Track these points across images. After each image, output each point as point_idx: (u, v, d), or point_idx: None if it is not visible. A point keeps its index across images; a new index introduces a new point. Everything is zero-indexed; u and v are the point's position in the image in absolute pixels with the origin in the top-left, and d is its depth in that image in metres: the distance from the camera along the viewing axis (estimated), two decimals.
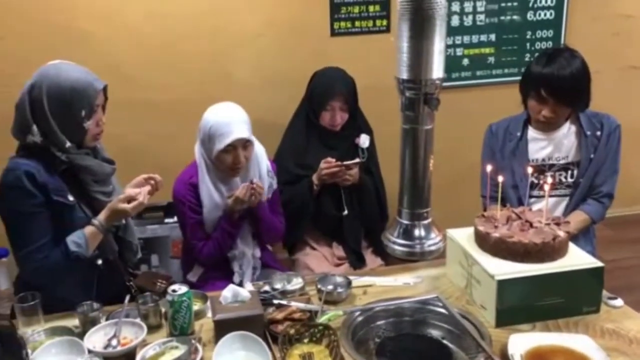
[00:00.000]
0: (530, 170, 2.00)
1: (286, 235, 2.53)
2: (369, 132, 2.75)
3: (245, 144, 2.15)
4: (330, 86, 2.59)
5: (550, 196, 2.28)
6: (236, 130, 2.11)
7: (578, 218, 2.30)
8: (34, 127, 1.77)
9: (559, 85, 2.17)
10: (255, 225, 2.30)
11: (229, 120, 2.13)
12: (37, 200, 1.76)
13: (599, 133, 2.31)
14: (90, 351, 1.50)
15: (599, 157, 2.31)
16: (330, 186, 2.60)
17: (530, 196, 2.33)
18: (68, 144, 1.80)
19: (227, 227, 2.22)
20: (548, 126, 2.30)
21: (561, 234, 1.68)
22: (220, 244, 2.23)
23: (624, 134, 2.37)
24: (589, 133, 2.30)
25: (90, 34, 3.01)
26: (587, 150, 2.30)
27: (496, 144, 2.41)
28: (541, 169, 2.34)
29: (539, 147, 2.34)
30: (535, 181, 2.33)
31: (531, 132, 2.35)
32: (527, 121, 2.37)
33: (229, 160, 2.14)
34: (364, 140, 2.68)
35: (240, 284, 2.24)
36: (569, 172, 2.34)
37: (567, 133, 2.32)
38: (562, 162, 2.33)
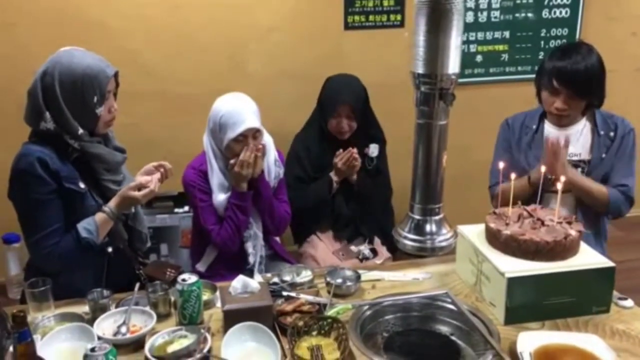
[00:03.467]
0: (543, 168, 1.98)
1: (298, 227, 2.55)
2: (382, 141, 2.75)
3: (256, 133, 2.16)
4: (337, 93, 2.60)
5: (563, 192, 2.25)
6: (247, 120, 2.12)
7: (598, 185, 2.25)
8: (47, 114, 1.78)
9: (572, 78, 2.16)
10: (258, 204, 2.29)
11: (240, 110, 2.14)
12: (50, 187, 1.77)
13: (612, 134, 2.29)
14: (100, 338, 1.51)
15: (610, 158, 2.29)
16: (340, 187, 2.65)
17: (544, 190, 2.31)
18: (80, 131, 1.81)
19: (236, 201, 2.20)
20: (562, 120, 2.28)
21: (573, 233, 1.67)
22: (235, 223, 2.21)
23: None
24: (602, 133, 2.29)
25: (105, 24, 3.03)
26: (599, 149, 2.29)
27: (512, 136, 2.40)
28: None
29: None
30: (549, 176, 2.31)
31: (547, 126, 2.34)
32: (543, 115, 2.36)
33: (239, 150, 2.15)
34: (372, 150, 2.71)
35: (252, 268, 2.26)
36: (579, 169, 2.32)
37: (582, 130, 2.31)
38: (574, 158, 2.31)
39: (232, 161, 2.17)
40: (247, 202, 2.23)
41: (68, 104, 1.78)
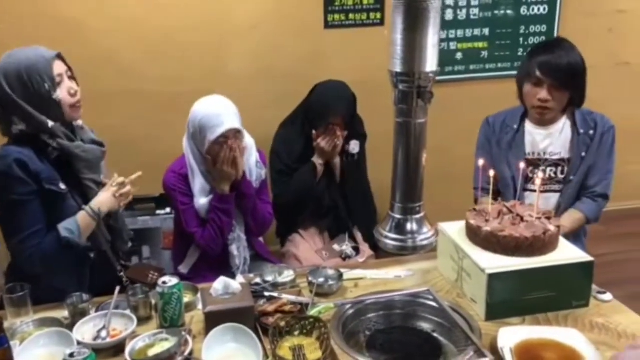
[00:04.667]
0: (523, 165, 1.99)
1: (283, 223, 2.54)
2: (363, 136, 2.75)
3: (236, 134, 2.15)
4: (329, 106, 2.58)
5: (542, 192, 2.29)
6: (227, 121, 2.12)
7: (573, 217, 2.31)
8: (14, 118, 1.78)
9: (556, 68, 2.18)
10: (241, 205, 2.29)
11: (219, 111, 2.14)
12: (29, 188, 1.76)
13: (592, 132, 2.31)
14: (79, 342, 1.50)
15: (591, 156, 2.31)
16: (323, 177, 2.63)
17: (525, 189, 2.33)
18: (51, 123, 1.79)
19: (219, 204, 2.20)
20: (545, 115, 2.28)
21: (552, 228, 1.69)
22: (218, 225, 2.21)
23: (616, 130, 2.37)
24: (582, 131, 2.30)
25: (85, 24, 2.99)
26: (579, 148, 2.30)
27: (493, 135, 2.41)
28: (535, 163, 2.34)
29: (536, 140, 2.34)
30: (530, 175, 2.33)
31: (528, 126, 2.36)
32: (525, 115, 2.37)
33: (220, 152, 2.13)
34: (353, 147, 2.70)
35: (236, 271, 2.26)
36: (560, 168, 2.34)
37: (563, 128, 2.33)
38: (555, 157, 2.33)
39: (218, 165, 2.16)
40: (229, 204, 2.22)
41: (25, 99, 1.77)
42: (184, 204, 2.22)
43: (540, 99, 2.23)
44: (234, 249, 2.30)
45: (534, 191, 2.31)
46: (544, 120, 2.32)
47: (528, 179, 2.33)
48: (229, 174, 2.17)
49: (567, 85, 2.22)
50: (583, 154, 2.30)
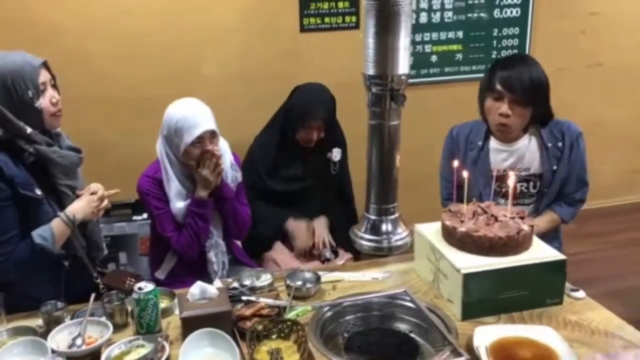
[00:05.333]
0: (494, 174, 1.99)
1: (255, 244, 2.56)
2: (343, 144, 2.76)
3: (212, 135, 2.16)
4: (310, 109, 2.57)
5: (514, 204, 2.27)
6: (203, 123, 2.11)
7: (549, 218, 2.32)
8: None
9: (517, 83, 2.14)
10: (222, 209, 2.28)
11: (194, 113, 2.13)
12: (4, 194, 1.74)
13: (560, 144, 2.27)
14: (53, 351, 1.48)
15: (563, 168, 2.28)
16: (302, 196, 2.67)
17: (497, 194, 2.33)
18: (29, 130, 1.77)
19: (196, 208, 2.18)
20: (507, 131, 2.23)
21: (525, 227, 1.71)
22: (194, 230, 2.19)
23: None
24: (549, 145, 2.27)
25: (57, 27, 2.96)
26: (549, 162, 2.27)
27: (457, 150, 2.36)
28: (504, 179, 2.26)
29: (501, 158, 2.30)
30: (498, 189, 2.28)
31: (493, 143, 2.31)
32: (488, 131, 2.32)
33: (197, 153, 2.13)
34: (335, 155, 2.70)
35: (214, 277, 2.25)
36: (531, 183, 2.32)
37: (528, 145, 2.28)
38: (523, 173, 2.30)
39: (202, 171, 2.14)
40: (207, 209, 2.21)
41: (5, 105, 1.74)
42: (158, 208, 2.21)
43: (501, 113, 2.17)
44: (212, 255, 2.29)
45: (506, 197, 2.32)
46: (504, 137, 2.27)
47: (497, 193, 2.28)
48: (209, 181, 2.16)
49: (528, 101, 2.16)
50: (554, 167, 2.27)
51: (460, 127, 2.41)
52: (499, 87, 2.17)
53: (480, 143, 2.32)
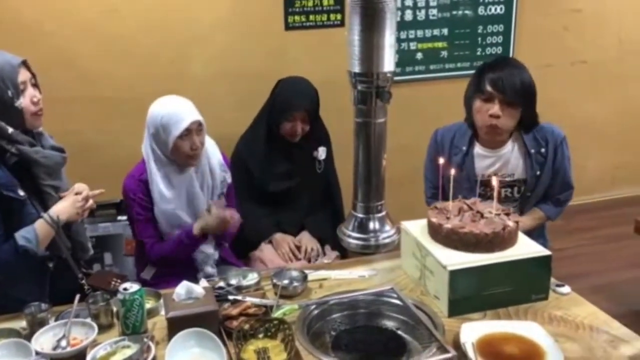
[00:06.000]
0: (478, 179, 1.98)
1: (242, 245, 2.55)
2: (327, 142, 2.76)
3: (199, 128, 2.16)
4: (293, 99, 2.58)
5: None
6: (189, 115, 2.13)
7: (535, 215, 2.33)
8: None
9: (508, 84, 2.14)
10: (220, 238, 2.34)
11: (179, 107, 2.15)
12: None
13: (543, 150, 2.27)
14: (37, 353, 1.46)
15: (546, 174, 2.29)
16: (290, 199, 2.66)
17: (483, 197, 2.33)
18: (10, 130, 1.76)
19: (188, 240, 2.21)
20: (496, 133, 2.22)
21: (510, 224, 1.72)
22: (177, 254, 2.22)
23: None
24: (533, 151, 2.27)
25: (41, 27, 2.93)
26: (532, 168, 2.27)
27: (442, 154, 2.32)
28: (488, 184, 2.27)
29: (486, 164, 2.30)
30: (483, 193, 2.28)
31: (477, 149, 2.31)
32: (473, 136, 2.32)
33: (186, 147, 2.13)
34: (321, 154, 2.70)
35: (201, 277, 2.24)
36: (515, 188, 2.32)
37: (512, 150, 2.28)
38: (508, 179, 2.30)
39: (216, 212, 2.20)
40: (197, 245, 2.24)
41: None
42: (139, 214, 2.21)
43: (491, 114, 2.16)
44: (198, 256, 2.29)
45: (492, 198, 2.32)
46: (494, 141, 2.26)
47: (481, 197, 2.24)
48: (215, 230, 2.22)
49: (518, 102, 2.17)
50: (538, 172, 2.28)
51: (444, 131, 2.40)
52: (489, 88, 2.17)
53: (464, 148, 2.31)
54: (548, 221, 2.42)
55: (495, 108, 2.17)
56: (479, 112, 2.23)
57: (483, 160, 2.30)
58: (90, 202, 1.91)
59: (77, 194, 1.88)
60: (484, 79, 2.19)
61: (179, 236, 2.21)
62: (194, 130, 2.14)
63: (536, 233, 2.31)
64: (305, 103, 2.57)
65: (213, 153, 2.30)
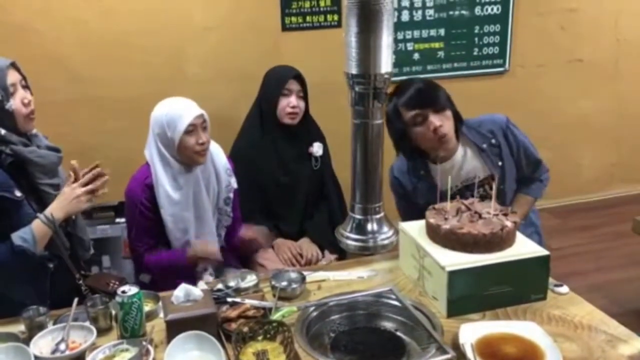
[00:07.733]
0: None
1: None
2: (322, 139, 2.75)
3: (203, 124, 2.18)
4: (283, 71, 2.61)
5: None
6: (192, 109, 2.16)
7: (521, 201, 2.33)
8: None
9: (417, 96, 2.13)
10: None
11: (181, 104, 2.18)
12: None
13: (494, 141, 2.25)
14: (36, 357, 1.46)
15: (508, 160, 2.27)
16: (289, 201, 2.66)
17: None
18: (3, 132, 1.76)
19: (184, 263, 2.22)
20: (448, 147, 2.21)
21: (509, 224, 1.72)
22: (171, 267, 2.21)
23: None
24: (484, 146, 2.24)
25: (34, 28, 2.92)
26: (492, 161, 2.25)
27: (407, 187, 2.32)
28: (461, 192, 2.26)
29: (447, 177, 2.20)
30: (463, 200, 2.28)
31: (433, 169, 2.27)
32: (423, 161, 2.29)
33: (192, 142, 2.14)
34: (317, 149, 2.69)
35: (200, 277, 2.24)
36: (487, 186, 2.29)
37: (464, 154, 2.26)
38: (476, 181, 2.24)
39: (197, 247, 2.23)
40: (188, 266, 2.24)
41: None
42: (139, 221, 2.21)
43: (434, 128, 2.13)
44: (198, 270, 2.29)
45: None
46: (447, 150, 2.23)
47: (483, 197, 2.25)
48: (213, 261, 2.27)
49: (439, 103, 2.15)
50: (500, 163, 2.25)
51: (397, 166, 2.37)
52: (411, 112, 2.14)
53: (422, 172, 2.29)
54: (537, 201, 2.40)
55: (434, 119, 2.14)
56: (422, 137, 2.19)
57: (444, 176, 2.19)
58: (93, 185, 1.85)
59: (75, 181, 1.83)
60: (399, 111, 2.16)
61: (177, 256, 2.22)
62: (198, 125, 2.15)
63: (529, 232, 2.29)
64: (296, 72, 2.59)
65: (218, 157, 2.31)
